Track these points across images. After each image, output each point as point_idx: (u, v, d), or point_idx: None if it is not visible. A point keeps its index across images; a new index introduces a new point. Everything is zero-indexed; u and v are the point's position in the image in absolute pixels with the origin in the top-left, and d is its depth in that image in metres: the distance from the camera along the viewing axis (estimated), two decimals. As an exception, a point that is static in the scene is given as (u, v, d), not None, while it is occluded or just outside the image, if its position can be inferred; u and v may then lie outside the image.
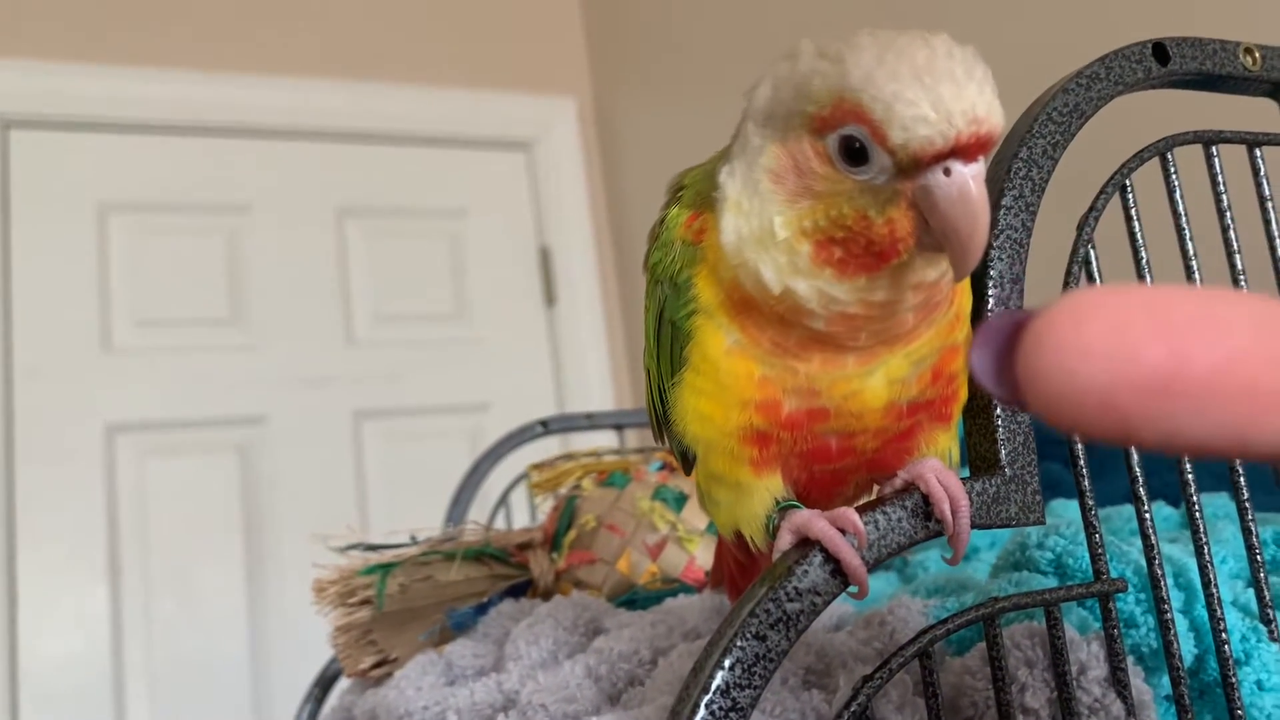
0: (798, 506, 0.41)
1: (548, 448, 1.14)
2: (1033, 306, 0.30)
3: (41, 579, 1.70)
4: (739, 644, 0.38)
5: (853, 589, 0.39)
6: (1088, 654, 0.45)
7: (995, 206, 0.46)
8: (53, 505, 1.73)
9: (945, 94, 0.30)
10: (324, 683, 0.98)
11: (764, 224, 0.36)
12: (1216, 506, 0.71)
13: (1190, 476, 0.48)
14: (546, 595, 0.76)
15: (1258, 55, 0.54)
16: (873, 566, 0.40)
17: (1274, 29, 0.64)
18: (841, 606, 0.62)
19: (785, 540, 0.40)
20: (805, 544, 0.39)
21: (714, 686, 0.37)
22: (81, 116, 1.87)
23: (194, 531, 1.81)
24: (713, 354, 0.41)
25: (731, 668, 0.37)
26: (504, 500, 1.13)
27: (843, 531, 0.38)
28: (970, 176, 0.32)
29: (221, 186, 1.95)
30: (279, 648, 1.80)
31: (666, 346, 0.44)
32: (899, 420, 0.41)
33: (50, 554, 1.72)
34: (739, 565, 0.56)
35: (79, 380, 1.79)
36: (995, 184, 0.46)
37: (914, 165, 0.32)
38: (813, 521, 0.39)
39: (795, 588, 0.38)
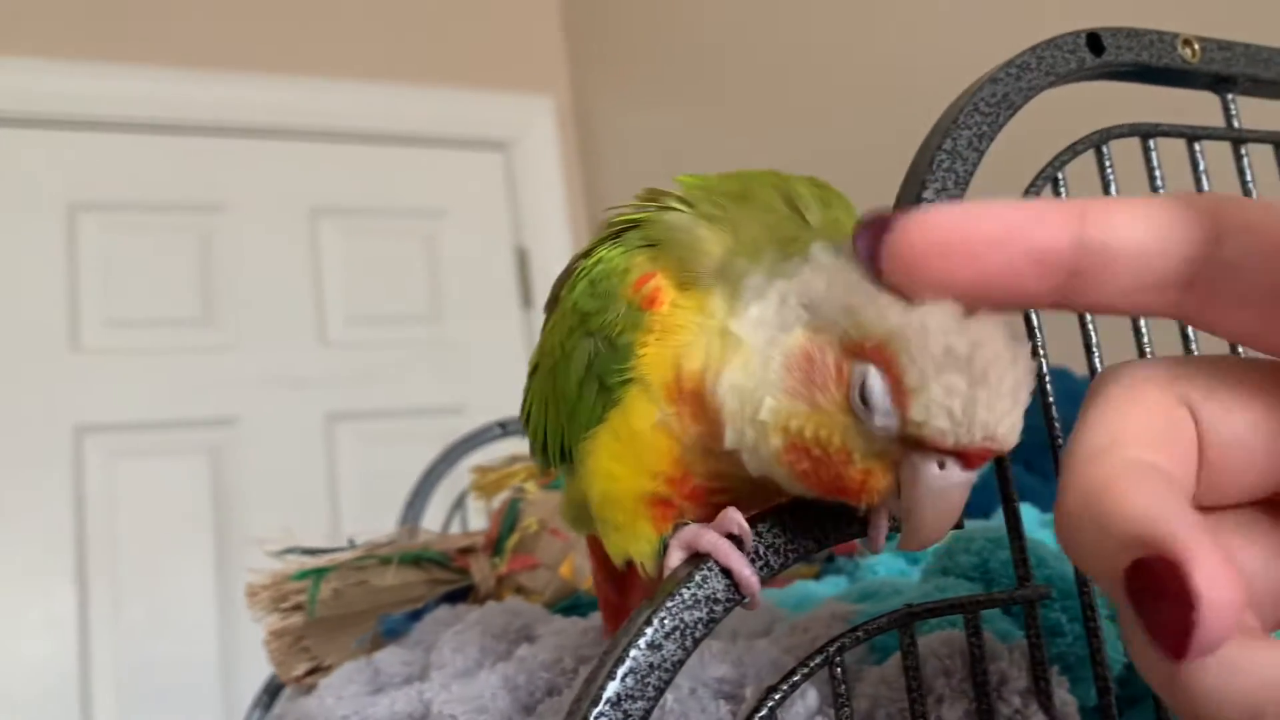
0: (685, 523, 0.40)
1: (506, 450, 1.12)
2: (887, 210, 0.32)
3: (8, 582, 1.68)
4: (632, 654, 0.36)
5: (746, 599, 0.37)
6: (1009, 663, 0.44)
7: (917, 199, 0.44)
8: (20, 507, 1.71)
9: (980, 400, 0.29)
10: (272, 690, 0.97)
11: (755, 396, 0.34)
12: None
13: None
14: (487, 601, 0.75)
15: (1197, 47, 0.52)
16: (777, 573, 0.38)
17: (1213, 22, 0.63)
18: (776, 611, 0.60)
19: (675, 558, 0.38)
20: (698, 557, 0.37)
21: (604, 698, 0.35)
22: (51, 114, 1.85)
23: (163, 534, 1.79)
24: (638, 426, 0.39)
25: (624, 678, 0.36)
26: (460, 503, 1.11)
27: (733, 539, 0.37)
28: (960, 483, 0.31)
29: (194, 185, 1.93)
30: (249, 652, 1.77)
31: (589, 400, 0.41)
32: None
33: (17, 556, 1.70)
34: (617, 587, 0.52)
35: (47, 380, 1.77)
36: (917, 176, 0.45)
37: (917, 443, 0.30)
38: (701, 534, 0.37)
39: (693, 595, 0.37)
